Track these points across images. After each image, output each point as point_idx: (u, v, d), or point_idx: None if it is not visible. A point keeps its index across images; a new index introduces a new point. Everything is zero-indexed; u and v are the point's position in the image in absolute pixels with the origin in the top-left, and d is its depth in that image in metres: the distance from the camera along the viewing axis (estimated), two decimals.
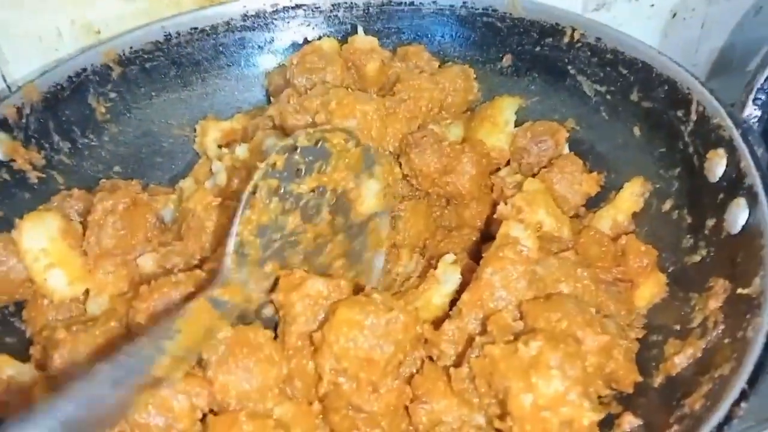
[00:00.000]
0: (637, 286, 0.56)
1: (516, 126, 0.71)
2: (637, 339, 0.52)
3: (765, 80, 0.53)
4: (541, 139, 0.69)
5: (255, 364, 0.48)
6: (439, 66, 0.77)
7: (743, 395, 0.38)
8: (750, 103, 0.54)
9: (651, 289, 0.55)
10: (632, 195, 0.63)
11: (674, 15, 1.00)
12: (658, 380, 0.48)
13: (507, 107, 0.72)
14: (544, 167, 0.67)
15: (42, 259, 0.58)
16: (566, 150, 0.70)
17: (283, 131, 0.68)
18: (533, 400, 0.40)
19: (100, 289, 0.60)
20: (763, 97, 0.54)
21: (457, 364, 0.47)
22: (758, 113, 0.54)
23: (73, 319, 0.58)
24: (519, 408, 0.41)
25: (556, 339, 0.42)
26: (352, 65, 0.72)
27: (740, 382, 0.38)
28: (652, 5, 0.98)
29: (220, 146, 0.72)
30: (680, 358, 0.47)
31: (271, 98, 0.78)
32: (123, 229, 0.61)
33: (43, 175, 0.66)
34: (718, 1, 1.01)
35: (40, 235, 0.58)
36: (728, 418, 0.37)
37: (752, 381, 0.38)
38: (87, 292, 0.60)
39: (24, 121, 0.66)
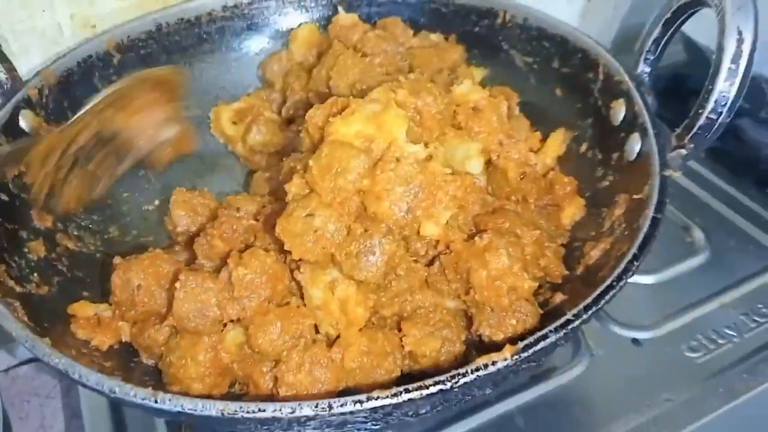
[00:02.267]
0: (562, 208, 0.71)
1: None
2: (563, 245, 0.68)
3: (651, 42, 0.69)
4: None
5: None
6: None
7: (635, 257, 0.54)
8: (641, 62, 0.70)
9: (573, 210, 0.70)
10: (556, 142, 0.78)
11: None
12: (579, 270, 0.64)
13: (477, 75, 0.87)
14: None
15: None
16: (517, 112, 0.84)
17: None
18: (488, 273, 0.55)
19: None
20: (650, 57, 0.70)
21: (430, 263, 0.61)
22: (648, 69, 0.70)
23: None
24: (479, 280, 0.55)
25: (501, 233, 0.58)
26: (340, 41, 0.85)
27: (633, 249, 0.54)
28: None
29: (234, 122, 0.84)
30: (595, 252, 0.62)
31: (267, 83, 0.90)
32: None
33: None
34: None
35: None
36: (626, 271, 0.53)
37: (641, 248, 0.54)
38: None
39: (44, 100, 0.76)
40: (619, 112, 0.71)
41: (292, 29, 0.92)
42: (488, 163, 0.72)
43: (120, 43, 0.84)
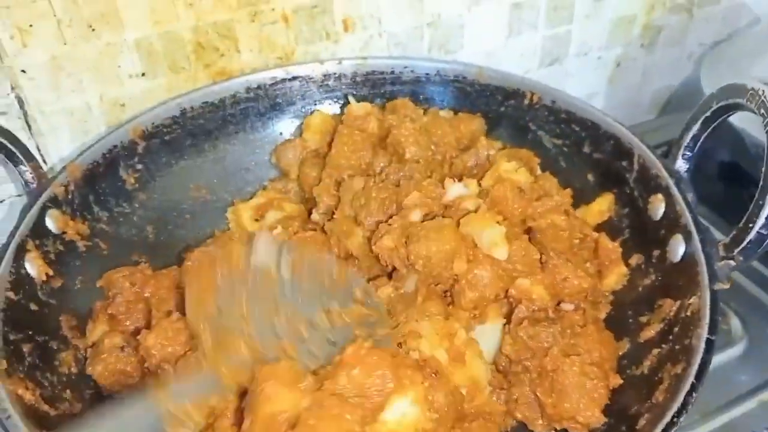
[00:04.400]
0: (604, 275, 0.71)
1: None
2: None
3: (690, 139, 0.68)
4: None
5: None
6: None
7: (693, 388, 0.52)
8: (680, 158, 0.69)
9: (616, 278, 0.71)
10: (601, 207, 0.77)
11: (618, 64, 1.18)
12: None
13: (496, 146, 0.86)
14: None
15: None
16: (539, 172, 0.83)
17: None
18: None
19: None
20: (689, 153, 0.69)
21: None
22: (686, 166, 0.69)
23: None
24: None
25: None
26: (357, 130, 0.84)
27: (690, 378, 0.53)
28: (599, 57, 1.15)
29: (256, 219, 0.83)
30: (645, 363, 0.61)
31: (282, 172, 0.89)
32: None
33: (90, 243, 0.76)
34: (654, 51, 1.19)
35: None
36: (684, 406, 0.51)
37: (699, 376, 0.53)
38: None
39: (70, 197, 0.75)
40: (658, 207, 0.70)
41: (314, 110, 0.91)
42: (529, 230, 0.72)
43: (145, 130, 0.83)
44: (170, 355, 0.61)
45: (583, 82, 1.16)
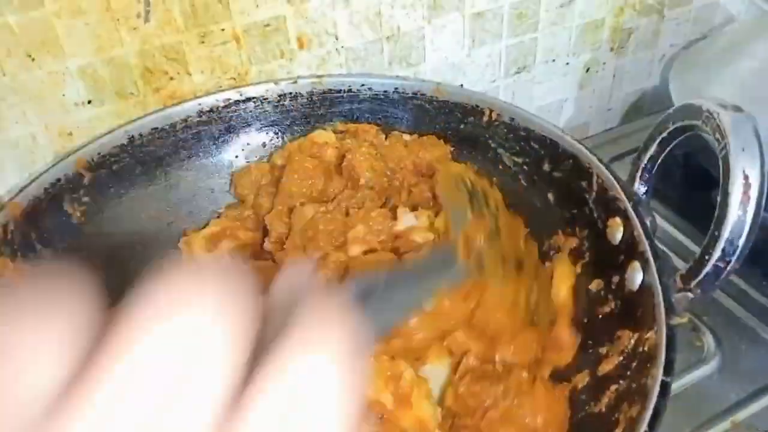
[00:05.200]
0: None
1: None
2: None
3: (647, 161, 0.66)
4: None
5: None
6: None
7: None
8: (638, 179, 0.66)
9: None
10: (565, 269, 0.72)
11: (587, 69, 1.15)
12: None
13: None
14: None
15: None
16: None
17: None
18: None
19: None
20: (647, 174, 0.66)
21: None
22: (644, 188, 0.67)
23: None
24: None
25: None
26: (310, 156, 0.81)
27: (644, 425, 0.50)
28: (567, 63, 1.12)
29: (208, 250, 0.80)
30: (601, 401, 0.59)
31: (239, 198, 0.87)
32: None
33: None
34: (625, 54, 1.16)
35: None
36: None
37: (652, 424, 0.50)
38: None
39: (9, 237, 0.72)
40: (617, 231, 0.67)
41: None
42: None
43: (90, 161, 0.80)
44: None
45: (553, 89, 1.14)
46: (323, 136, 0.83)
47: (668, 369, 0.52)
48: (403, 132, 0.88)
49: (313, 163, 0.78)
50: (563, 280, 0.70)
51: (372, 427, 0.53)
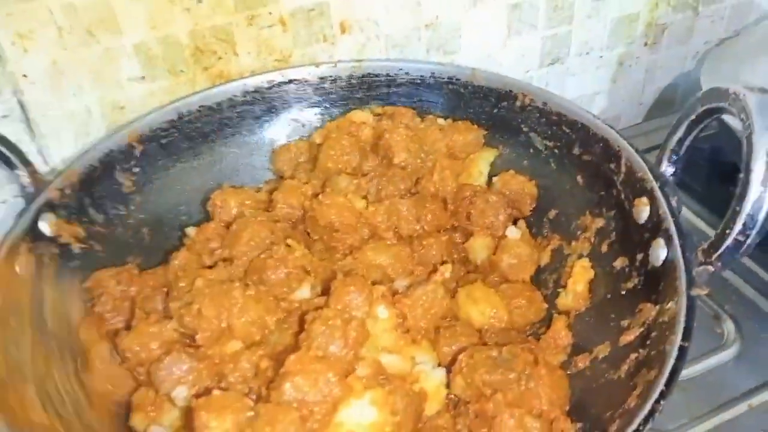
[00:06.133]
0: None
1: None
2: None
3: (676, 142, 0.68)
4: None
5: None
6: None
7: (662, 395, 0.52)
8: (665, 161, 0.69)
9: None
10: (582, 269, 0.75)
11: (621, 63, 1.16)
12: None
13: (483, 158, 0.88)
14: None
15: None
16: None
17: None
18: None
19: None
20: (675, 156, 0.68)
21: None
22: (672, 169, 0.69)
23: None
24: None
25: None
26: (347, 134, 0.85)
27: (660, 386, 0.53)
28: (601, 56, 1.14)
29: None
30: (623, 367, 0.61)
31: (280, 175, 0.91)
32: None
33: (85, 246, 0.77)
34: (658, 50, 1.17)
35: None
36: (651, 413, 0.51)
37: (668, 384, 0.52)
38: None
39: (66, 200, 0.77)
40: (643, 211, 0.69)
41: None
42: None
43: (142, 135, 0.84)
44: (145, 360, 0.62)
45: (586, 82, 1.16)
46: (361, 115, 0.87)
47: (686, 335, 0.55)
48: (438, 116, 0.91)
49: (349, 140, 0.81)
50: (582, 275, 0.74)
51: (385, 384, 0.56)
